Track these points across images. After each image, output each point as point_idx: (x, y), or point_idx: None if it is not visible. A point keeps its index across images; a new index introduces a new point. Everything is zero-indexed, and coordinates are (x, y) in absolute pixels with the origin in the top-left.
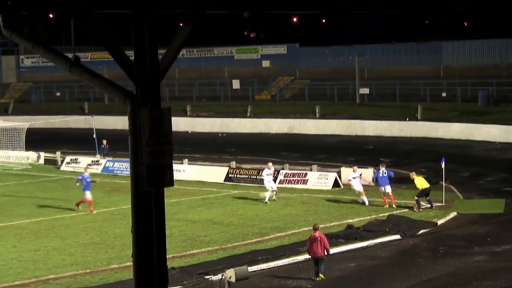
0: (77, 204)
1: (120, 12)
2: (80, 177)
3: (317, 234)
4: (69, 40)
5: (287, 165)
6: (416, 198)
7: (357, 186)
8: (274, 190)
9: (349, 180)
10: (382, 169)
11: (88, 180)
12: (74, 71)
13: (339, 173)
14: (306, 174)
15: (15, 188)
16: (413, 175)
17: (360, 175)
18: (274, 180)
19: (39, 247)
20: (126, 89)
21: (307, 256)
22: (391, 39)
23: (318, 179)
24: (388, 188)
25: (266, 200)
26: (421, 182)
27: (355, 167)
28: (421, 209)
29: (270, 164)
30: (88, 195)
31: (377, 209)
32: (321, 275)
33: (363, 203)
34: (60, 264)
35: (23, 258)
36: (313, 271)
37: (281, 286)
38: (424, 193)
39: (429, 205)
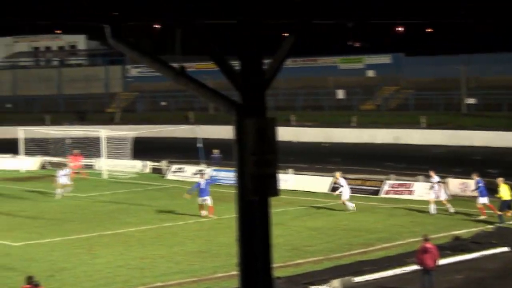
0: (201, 210)
1: (226, 22)
2: (196, 186)
3: (428, 245)
4: (174, 50)
5: (392, 175)
6: (498, 213)
7: (437, 194)
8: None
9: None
10: (477, 179)
11: (204, 186)
12: (180, 81)
13: (446, 184)
14: (412, 184)
15: (122, 196)
16: (500, 181)
17: (438, 182)
18: (378, 192)
19: (146, 255)
20: (231, 99)
21: (413, 267)
22: (498, 49)
23: (424, 190)
24: (485, 199)
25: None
26: (504, 191)
27: (431, 172)
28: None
29: (337, 174)
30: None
31: (484, 220)
32: None
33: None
34: (167, 272)
35: (130, 266)
36: (420, 282)
37: None
38: (505, 205)
39: None
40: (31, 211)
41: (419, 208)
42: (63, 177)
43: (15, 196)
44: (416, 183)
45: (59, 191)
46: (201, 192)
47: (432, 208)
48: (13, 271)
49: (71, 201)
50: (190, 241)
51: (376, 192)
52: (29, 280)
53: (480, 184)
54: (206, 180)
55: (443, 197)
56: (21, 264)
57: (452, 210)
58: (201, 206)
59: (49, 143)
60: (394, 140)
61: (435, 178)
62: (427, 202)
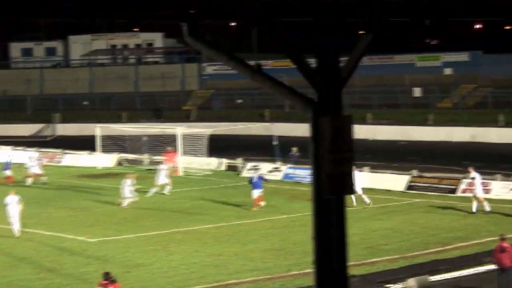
0: (256, 204)
1: (302, 20)
2: (249, 180)
3: (505, 244)
4: (250, 48)
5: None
6: None
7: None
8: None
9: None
10: None
11: (256, 180)
12: (256, 79)
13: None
14: (489, 183)
15: (197, 194)
16: None
17: (473, 178)
18: (455, 191)
19: (220, 252)
20: (307, 97)
21: (490, 266)
22: None
23: (502, 189)
24: None
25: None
26: None
27: (470, 169)
28: None
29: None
30: (255, 193)
31: None
32: None
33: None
34: (241, 269)
35: (205, 263)
36: (497, 282)
37: None
38: None
39: None
40: (107, 207)
41: (496, 207)
42: (162, 175)
43: (92, 193)
44: (493, 182)
45: (154, 190)
46: (254, 186)
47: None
48: (90, 267)
49: (146, 198)
50: (264, 238)
51: (453, 191)
52: (106, 276)
53: None
54: (259, 175)
55: (479, 194)
56: (97, 260)
57: (488, 208)
58: (255, 200)
59: (126, 140)
60: (471, 139)
61: (472, 174)
62: (505, 201)
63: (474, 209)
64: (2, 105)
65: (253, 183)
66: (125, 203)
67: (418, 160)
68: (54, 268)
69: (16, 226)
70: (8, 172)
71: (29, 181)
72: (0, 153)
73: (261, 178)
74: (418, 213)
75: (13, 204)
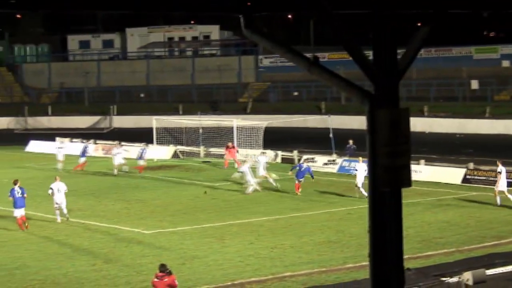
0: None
1: (359, 12)
2: (296, 166)
3: None
4: (307, 40)
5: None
6: None
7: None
8: None
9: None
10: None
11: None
12: (313, 71)
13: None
14: None
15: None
16: None
17: (499, 172)
18: None
19: (275, 245)
20: (364, 89)
21: None
22: None
23: None
24: None
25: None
26: None
27: (498, 162)
28: None
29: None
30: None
31: None
32: None
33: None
34: (296, 262)
35: (260, 255)
36: None
37: None
38: None
39: None
40: (163, 199)
41: None
42: (261, 168)
43: (148, 184)
44: None
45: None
46: (298, 174)
47: (498, 200)
48: (145, 259)
49: (203, 190)
50: (319, 231)
51: (510, 184)
52: (162, 268)
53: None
54: (307, 167)
55: (501, 187)
56: (153, 252)
57: (498, 202)
58: (297, 186)
59: (182, 132)
60: None
61: (499, 168)
62: None
63: (498, 202)
64: (60, 97)
65: (299, 171)
66: (250, 189)
67: (474, 153)
68: (109, 259)
69: (59, 212)
70: (83, 159)
71: (116, 171)
72: (71, 145)
73: (308, 170)
74: (474, 206)
75: (61, 191)
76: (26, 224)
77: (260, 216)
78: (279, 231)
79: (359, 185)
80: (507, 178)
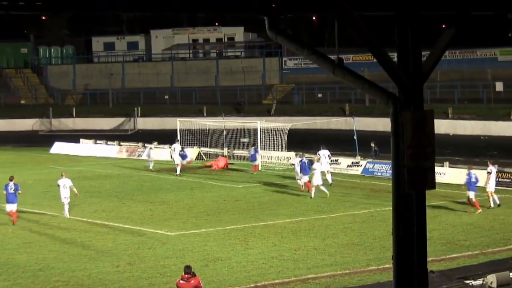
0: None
1: (384, 14)
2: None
3: None
4: (331, 42)
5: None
6: None
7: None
8: None
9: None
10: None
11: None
12: (338, 73)
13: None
14: None
15: (275, 188)
16: None
17: (489, 172)
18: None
19: (299, 247)
20: (388, 91)
21: None
22: None
23: None
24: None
25: None
26: None
27: (489, 162)
28: None
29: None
30: (305, 179)
31: None
32: None
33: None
34: (319, 264)
35: (283, 257)
36: None
37: None
38: None
39: None
40: (186, 201)
41: None
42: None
43: (171, 186)
44: None
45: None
46: (304, 171)
47: (492, 200)
48: (169, 260)
49: (226, 191)
50: (343, 233)
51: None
52: (188, 269)
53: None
54: (305, 160)
55: (490, 188)
56: (176, 253)
57: (492, 205)
58: (308, 185)
59: (206, 134)
60: None
61: (489, 168)
62: None
63: (497, 202)
64: (84, 99)
65: (303, 168)
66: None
67: (499, 155)
68: (133, 261)
69: (66, 207)
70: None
71: (179, 169)
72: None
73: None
74: (499, 209)
75: (67, 187)
76: (13, 219)
77: (283, 218)
78: (302, 233)
79: (319, 183)
80: None
